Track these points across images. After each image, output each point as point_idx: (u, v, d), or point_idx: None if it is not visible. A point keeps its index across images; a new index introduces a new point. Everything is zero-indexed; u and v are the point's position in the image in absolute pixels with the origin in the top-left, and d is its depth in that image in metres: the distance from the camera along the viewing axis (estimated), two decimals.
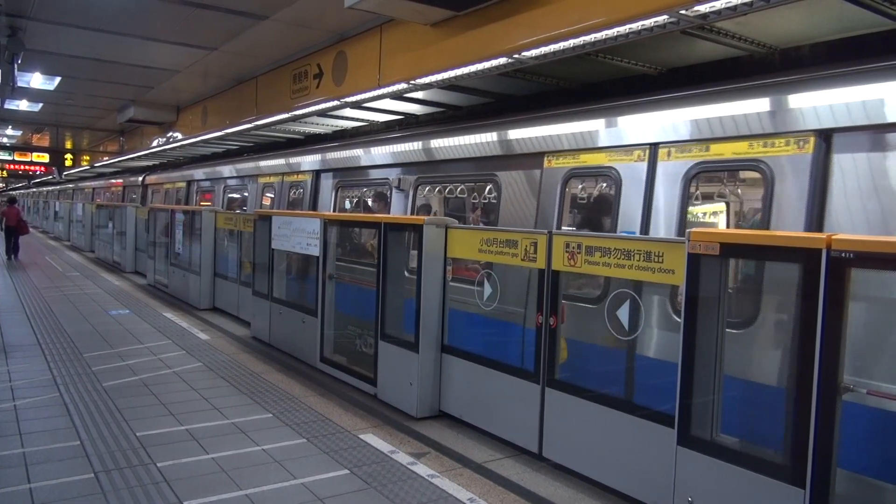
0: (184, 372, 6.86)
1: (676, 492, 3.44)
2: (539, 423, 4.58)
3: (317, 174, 10.02)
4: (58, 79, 12.08)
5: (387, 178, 8.25)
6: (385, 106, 8.59)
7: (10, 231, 17.93)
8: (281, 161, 11.28)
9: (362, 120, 10.21)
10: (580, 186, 5.74)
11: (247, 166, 12.95)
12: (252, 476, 4.33)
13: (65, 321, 9.33)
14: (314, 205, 9.91)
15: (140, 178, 21.52)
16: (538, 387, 4.58)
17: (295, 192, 10.71)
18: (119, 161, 21.66)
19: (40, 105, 15.23)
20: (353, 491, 4.17)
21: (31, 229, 22.71)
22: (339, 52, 7.73)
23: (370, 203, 9.07)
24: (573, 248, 4.28)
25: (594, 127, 5.48)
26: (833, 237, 2.83)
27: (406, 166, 7.94)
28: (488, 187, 6.70)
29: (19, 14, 8.01)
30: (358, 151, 8.99)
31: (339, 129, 11.29)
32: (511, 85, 7.01)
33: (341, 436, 5.16)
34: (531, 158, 6.08)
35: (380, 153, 8.45)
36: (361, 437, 5.15)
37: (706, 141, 4.62)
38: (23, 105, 15.18)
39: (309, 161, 10.28)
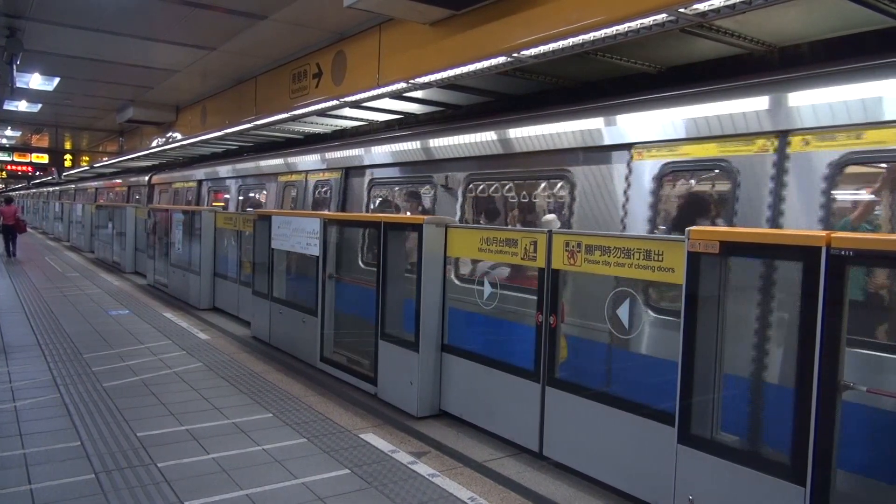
0: (184, 372, 6.86)
1: (677, 490, 3.44)
2: (539, 421, 4.58)
3: (346, 172, 9.07)
4: (57, 79, 12.07)
5: (430, 176, 7.35)
6: (384, 105, 8.58)
7: (8, 230, 18.07)
8: (305, 158, 10.41)
9: (362, 119, 10.20)
10: (681, 183, 4.98)
11: (267, 164, 11.87)
12: (253, 476, 4.33)
13: (65, 322, 9.33)
14: (343, 205, 9.02)
15: (146, 178, 20.61)
16: (538, 386, 4.58)
17: (321, 192, 9.82)
18: (118, 161, 21.64)
19: (39, 106, 15.22)
20: (354, 490, 4.17)
21: (30, 229, 23.07)
22: (338, 52, 7.73)
23: (409, 203, 8.14)
24: (573, 246, 4.28)
25: (699, 113, 4.62)
26: (833, 235, 2.83)
27: (455, 162, 7.00)
28: (558, 185, 5.92)
29: (18, 15, 8.00)
30: (396, 146, 8.07)
31: (338, 128, 11.28)
32: (510, 84, 7.00)
33: (342, 435, 5.16)
34: (614, 151, 5.22)
35: (423, 147, 7.50)
36: (362, 436, 5.15)
37: (860, 127, 3.78)
38: (22, 106, 15.16)
39: (337, 158, 9.38)
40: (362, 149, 8.81)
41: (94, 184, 29.55)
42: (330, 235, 6.93)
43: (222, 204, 14.13)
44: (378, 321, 5.95)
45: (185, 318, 10.06)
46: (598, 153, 5.35)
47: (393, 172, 8.29)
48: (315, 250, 6.98)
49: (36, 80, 12.08)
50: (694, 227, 3.42)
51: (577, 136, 5.51)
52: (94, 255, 19.79)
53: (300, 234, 7.32)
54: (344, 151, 9.29)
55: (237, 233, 9.88)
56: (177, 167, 19.16)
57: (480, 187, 6.77)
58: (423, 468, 4.55)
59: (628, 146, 5.07)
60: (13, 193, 45.90)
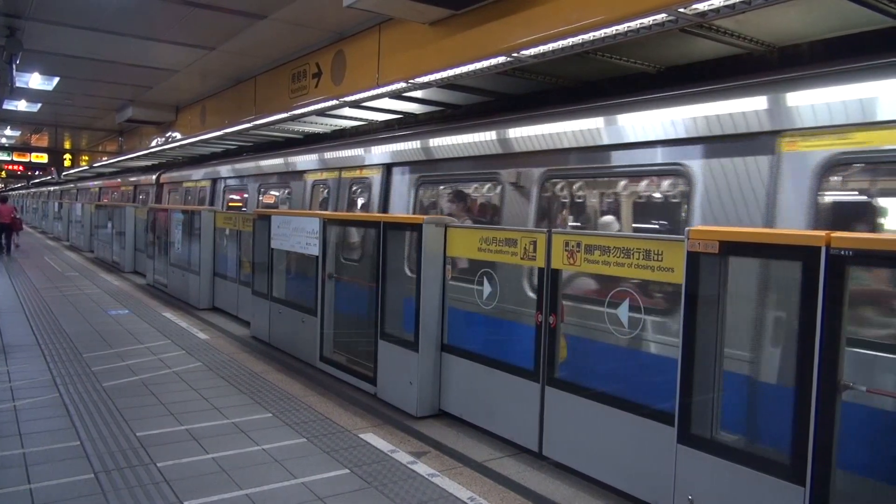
0: (183, 372, 6.86)
1: (677, 490, 3.44)
2: (539, 421, 4.58)
3: (388, 168, 8.00)
4: (56, 79, 12.07)
5: (496, 173, 6.26)
6: (384, 105, 8.58)
7: (3, 228, 18.24)
8: (339, 154, 9.30)
9: (361, 119, 10.19)
10: (853, 179, 4.09)
11: (293, 161, 10.63)
12: (252, 476, 4.33)
13: (64, 321, 9.32)
14: (385, 206, 7.93)
15: (154, 177, 19.38)
16: (538, 385, 4.58)
17: (357, 191, 8.83)
18: (118, 161, 21.63)
19: (39, 105, 15.22)
20: (354, 490, 4.17)
21: (30, 229, 23.42)
22: (337, 52, 7.73)
23: (466, 206, 6.98)
24: (573, 246, 4.28)
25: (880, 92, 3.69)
26: (832, 235, 2.83)
27: (529, 157, 5.89)
28: (666, 182, 4.97)
29: (17, 14, 8.00)
30: (451, 139, 6.97)
31: (338, 128, 11.27)
32: (510, 84, 7.00)
33: (341, 435, 5.16)
34: (753, 140, 4.25)
35: (488, 140, 6.40)
36: (361, 436, 5.15)
37: None
38: (21, 105, 15.16)
39: (378, 153, 8.23)
40: (409, 143, 7.69)
41: (98, 183, 28.74)
42: (329, 235, 6.93)
43: (240, 205, 13.17)
44: (378, 321, 5.95)
45: (184, 317, 10.06)
46: (729, 143, 4.33)
47: (447, 169, 7.14)
48: (314, 250, 6.98)
49: (35, 80, 12.08)
50: (693, 227, 3.43)
51: (702, 124, 4.47)
52: (94, 255, 19.79)
53: (300, 234, 7.32)
54: (386, 146, 8.14)
55: (237, 232, 9.87)
56: (188, 165, 17.97)
57: (559, 185, 5.80)
58: (422, 468, 4.55)
59: (776, 133, 4.09)
60: (10, 193, 45.83)
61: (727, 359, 3.43)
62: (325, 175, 9.60)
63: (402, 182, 7.76)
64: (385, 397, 5.89)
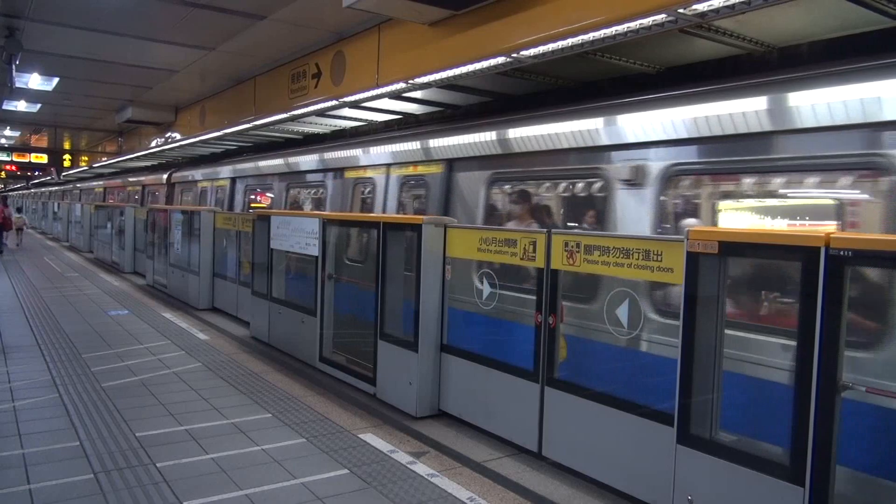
0: (183, 372, 6.85)
1: (676, 490, 3.44)
2: (538, 422, 4.58)
3: (450, 164, 6.90)
4: (56, 79, 12.06)
5: (598, 168, 5.17)
6: (384, 105, 8.58)
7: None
8: (388, 148, 8.08)
9: (361, 120, 10.19)
10: None
11: (330, 157, 9.44)
12: (252, 476, 4.33)
13: (64, 322, 9.32)
14: (446, 208, 6.80)
15: (164, 177, 18.11)
16: (537, 386, 4.58)
17: (411, 191, 7.73)
18: (117, 162, 21.62)
19: (38, 106, 15.21)
20: (353, 490, 4.17)
21: (29, 230, 24.18)
22: (337, 52, 7.73)
23: (558, 207, 5.99)
24: (572, 247, 4.28)
25: None
26: (831, 235, 2.83)
27: (649, 147, 4.78)
28: (843, 181, 3.88)
29: (17, 15, 7.99)
30: (536, 129, 5.77)
31: (337, 128, 11.26)
32: (511, 84, 7.00)
33: (341, 435, 5.16)
34: None
35: (587, 128, 5.26)
36: (361, 436, 5.15)
37: None
38: (21, 106, 15.15)
39: (440, 146, 7.05)
40: (478, 134, 6.50)
41: (102, 183, 27.60)
42: (329, 236, 6.93)
43: (264, 206, 11.89)
44: (377, 321, 5.95)
45: (184, 318, 10.06)
46: None
47: (527, 164, 6.00)
48: (314, 250, 6.98)
49: (35, 80, 12.08)
50: (693, 227, 3.42)
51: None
52: (93, 255, 19.79)
53: (299, 235, 7.32)
54: (450, 138, 6.92)
55: (236, 233, 9.87)
56: (202, 163, 16.64)
57: (687, 182, 4.73)
58: (422, 468, 4.56)
59: None
60: (9, 194, 45.79)
61: (726, 359, 3.43)
62: (370, 173, 8.42)
63: (471, 179, 6.58)
64: (384, 397, 5.88)
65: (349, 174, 8.97)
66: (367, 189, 8.54)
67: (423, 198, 7.34)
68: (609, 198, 5.03)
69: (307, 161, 10.15)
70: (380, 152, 8.28)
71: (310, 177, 10.18)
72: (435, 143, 7.17)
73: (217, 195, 13.99)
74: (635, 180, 4.81)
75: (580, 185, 5.60)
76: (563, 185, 5.86)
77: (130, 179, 22.70)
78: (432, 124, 8.44)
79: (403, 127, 9.37)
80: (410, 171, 7.59)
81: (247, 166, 12.59)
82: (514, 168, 6.20)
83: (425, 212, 7.12)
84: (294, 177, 10.60)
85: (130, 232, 15.78)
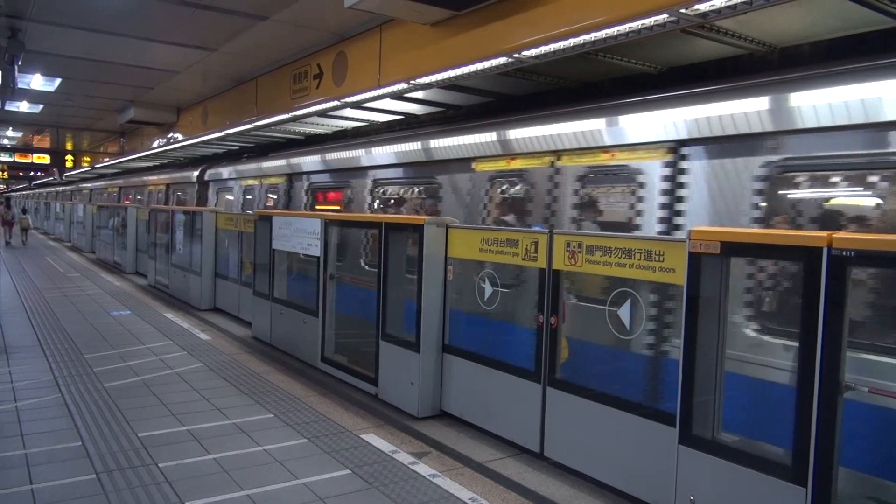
0: (185, 372, 6.86)
1: (678, 490, 3.44)
2: (540, 422, 4.58)
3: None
4: (58, 80, 12.10)
5: (795, 158, 4.00)
6: (385, 106, 8.58)
7: None
8: (581, 126, 5.38)
9: (362, 120, 10.20)
10: None
11: (438, 146, 7.06)
12: (254, 476, 4.33)
13: (66, 322, 9.33)
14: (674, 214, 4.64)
15: (194, 174, 15.53)
16: (539, 386, 4.58)
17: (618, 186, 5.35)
18: (119, 162, 21.66)
19: (41, 106, 15.25)
20: (355, 491, 4.17)
21: (32, 230, 25.22)
22: (339, 53, 7.73)
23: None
24: (574, 247, 4.28)
25: None
26: (833, 235, 2.83)
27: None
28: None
29: (19, 16, 8.01)
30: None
31: (338, 129, 11.26)
32: (512, 84, 6.99)
33: (342, 436, 5.17)
34: None
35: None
36: (363, 436, 5.16)
37: None
38: (23, 106, 15.20)
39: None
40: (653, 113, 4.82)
41: (118, 182, 25.12)
42: (330, 236, 6.93)
43: (339, 208, 9.34)
44: (379, 322, 5.95)
45: (185, 318, 10.07)
46: None
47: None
48: (316, 251, 6.99)
49: (37, 81, 12.11)
50: (695, 228, 3.42)
51: None
52: (96, 256, 19.82)
53: (301, 235, 7.32)
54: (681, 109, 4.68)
55: (238, 233, 9.87)
56: (245, 157, 14.22)
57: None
58: (423, 468, 4.56)
59: None
60: (12, 194, 45.77)
61: (728, 359, 3.43)
62: (519, 163, 5.97)
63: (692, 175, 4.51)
64: (386, 398, 5.89)
65: (479, 166, 6.47)
66: (518, 186, 6.10)
67: (638, 197, 4.88)
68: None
69: (410, 151, 7.61)
70: (529, 137, 5.87)
71: (419, 172, 7.57)
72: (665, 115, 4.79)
73: (265, 194, 11.68)
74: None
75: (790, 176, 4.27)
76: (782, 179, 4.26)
77: (151, 178, 20.14)
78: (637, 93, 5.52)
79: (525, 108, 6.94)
80: (603, 158, 5.23)
81: (309, 161, 10.10)
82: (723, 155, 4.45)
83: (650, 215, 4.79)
84: (389, 171, 8.12)
85: (132, 232, 15.80)
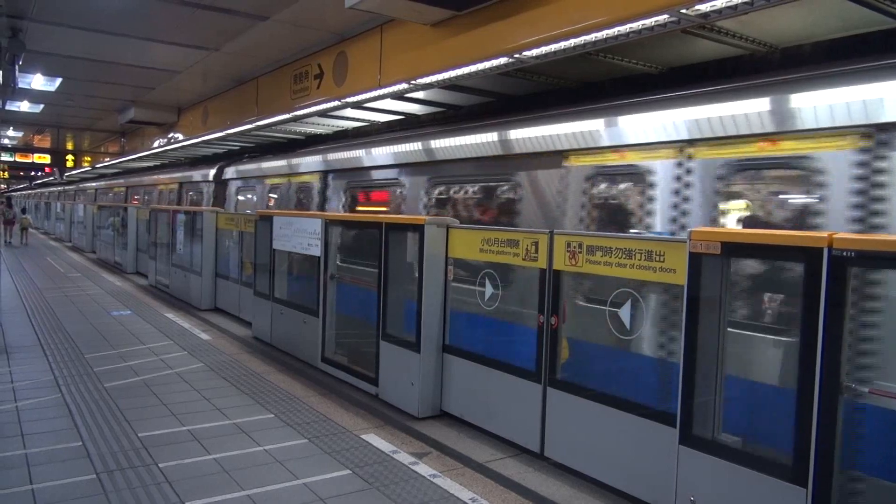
0: (185, 372, 6.86)
1: (678, 491, 3.44)
2: (541, 422, 4.58)
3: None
4: (59, 80, 12.10)
5: None
6: (386, 106, 8.58)
7: None
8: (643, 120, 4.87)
9: (363, 120, 10.20)
10: None
11: (516, 137, 5.99)
12: (254, 476, 4.33)
13: (66, 322, 9.34)
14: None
15: (211, 172, 14.35)
16: (539, 386, 4.58)
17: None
18: (120, 162, 21.66)
19: (41, 106, 15.25)
20: (355, 491, 4.17)
21: (32, 230, 25.43)
22: (339, 53, 7.73)
23: None
24: (574, 247, 4.28)
25: None
26: (834, 236, 2.82)
27: None
28: None
29: (20, 15, 8.01)
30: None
31: (340, 129, 11.25)
32: (512, 84, 6.99)
33: (343, 436, 5.17)
34: None
35: None
36: (363, 437, 5.16)
37: None
38: (24, 106, 15.20)
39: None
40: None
41: (123, 181, 24.10)
42: (331, 236, 6.93)
43: (386, 209, 8.17)
44: (379, 322, 5.95)
45: (186, 318, 10.07)
46: None
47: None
48: (316, 251, 6.99)
49: (38, 81, 12.11)
50: (696, 228, 3.42)
51: None
52: (96, 256, 19.82)
53: (301, 235, 7.32)
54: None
55: (238, 233, 9.87)
56: (270, 153, 12.93)
57: None
58: (424, 469, 4.55)
59: None
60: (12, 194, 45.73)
61: (729, 360, 3.42)
62: (653, 155, 4.79)
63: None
64: (386, 398, 5.89)
65: (573, 160, 5.34)
66: (627, 186, 5.05)
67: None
68: None
69: (482, 144, 6.40)
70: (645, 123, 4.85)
71: (479, 168, 6.58)
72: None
73: (298, 196, 10.50)
74: None
75: None
76: None
77: (161, 178, 18.82)
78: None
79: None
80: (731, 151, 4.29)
81: (346, 156, 9.07)
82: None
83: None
84: (446, 167, 7.03)
85: (133, 232, 15.80)
